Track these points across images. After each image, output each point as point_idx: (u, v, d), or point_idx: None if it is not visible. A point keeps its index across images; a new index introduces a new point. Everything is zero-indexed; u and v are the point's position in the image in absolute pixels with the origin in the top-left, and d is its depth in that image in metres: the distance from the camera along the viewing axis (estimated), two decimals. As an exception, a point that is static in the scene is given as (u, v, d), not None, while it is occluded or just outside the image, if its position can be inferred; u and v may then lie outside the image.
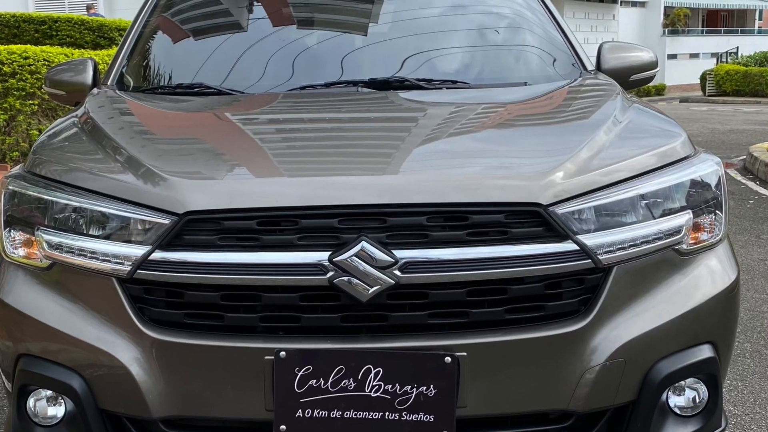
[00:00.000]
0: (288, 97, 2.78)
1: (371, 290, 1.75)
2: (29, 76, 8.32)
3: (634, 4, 37.62)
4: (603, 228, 1.86)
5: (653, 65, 3.15)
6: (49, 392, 1.99)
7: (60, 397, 1.97)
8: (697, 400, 2.02)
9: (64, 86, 3.16)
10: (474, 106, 2.63)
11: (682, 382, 2.00)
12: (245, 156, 2.17)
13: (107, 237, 1.89)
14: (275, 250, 1.80)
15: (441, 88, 2.81)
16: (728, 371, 2.41)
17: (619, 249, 1.85)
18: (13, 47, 8.66)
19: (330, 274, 1.76)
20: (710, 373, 2.00)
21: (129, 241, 1.87)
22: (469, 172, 1.94)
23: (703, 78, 28.70)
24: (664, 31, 37.55)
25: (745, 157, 10.29)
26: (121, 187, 1.94)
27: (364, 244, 1.75)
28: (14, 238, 2.02)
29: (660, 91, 32.08)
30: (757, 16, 43.56)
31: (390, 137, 2.34)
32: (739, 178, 9.05)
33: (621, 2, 36.01)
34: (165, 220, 1.83)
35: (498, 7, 3.41)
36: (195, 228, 1.83)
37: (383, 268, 1.75)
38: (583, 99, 2.74)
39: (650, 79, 3.19)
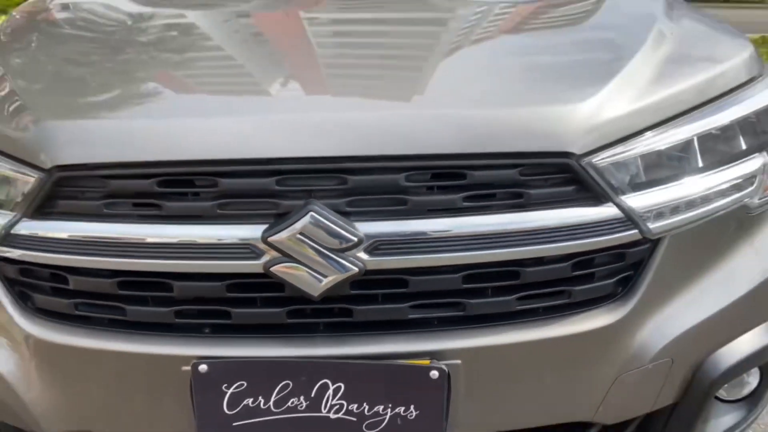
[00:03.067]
0: None
1: (324, 281, 1.17)
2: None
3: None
4: (652, 185, 1.28)
5: None
6: None
7: None
8: (748, 387, 1.55)
9: None
10: (477, 6, 1.91)
11: None
12: (150, 82, 1.51)
13: None
14: (185, 222, 1.20)
15: None
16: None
17: (673, 213, 1.27)
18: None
19: (265, 258, 1.17)
20: None
21: None
22: (468, 108, 1.27)
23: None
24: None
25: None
26: None
27: (313, 214, 1.15)
28: None
29: None
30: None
31: (350, 56, 1.65)
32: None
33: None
34: (32, 177, 1.23)
35: None
36: (71, 189, 1.23)
37: (342, 249, 1.16)
38: None
39: None
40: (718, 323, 1.37)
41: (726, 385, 1.50)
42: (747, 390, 1.54)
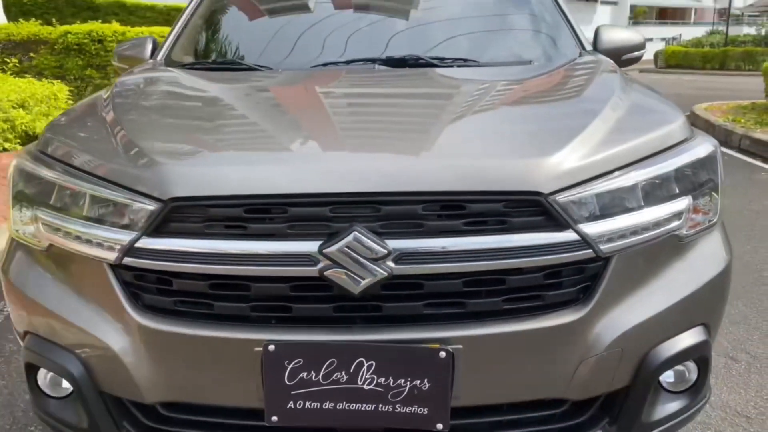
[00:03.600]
0: (301, 73, 2.64)
1: (363, 282, 1.57)
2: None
3: (608, 3, 50.31)
4: (604, 216, 1.67)
5: (642, 46, 3.18)
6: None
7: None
8: (688, 380, 1.89)
9: (128, 61, 3.22)
10: (477, 85, 2.39)
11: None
12: (236, 138, 1.97)
13: (98, 221, 1.72)
14: (263, 239, 1.61)
15: (452, 66, 2.65)
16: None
17: (620, 238, 1.67)
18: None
19: (320, 265, 1.58)
20: (702, 355, 1.86)
21: (118, 227, 1.69)
22: (467, 159, 1.70)
23: (656, 56, 35.03)
24: (629, 22, 49.95)
25: (688, 113, 10.96)
26: (113, 169, 1.76)
27: (356, 234, 1.56)
28: (22, 216, 1.87)
29: (624, 65, 35.29)
30: (693, 12, 61.17)
31: (383, 122, 2.12)
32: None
33: (600, 2, 47.40)
34: (151, 206, 1.65)
35: None
36: (181, 215, 1.64)
37: (376, 259, 1.56)
38: (584, 79, 2.51)
39: (639, 58, 3.19)
40: (656, 323, 1.75)
41: (672, 381, 1.86)
42: (688, 384, 1.89)
